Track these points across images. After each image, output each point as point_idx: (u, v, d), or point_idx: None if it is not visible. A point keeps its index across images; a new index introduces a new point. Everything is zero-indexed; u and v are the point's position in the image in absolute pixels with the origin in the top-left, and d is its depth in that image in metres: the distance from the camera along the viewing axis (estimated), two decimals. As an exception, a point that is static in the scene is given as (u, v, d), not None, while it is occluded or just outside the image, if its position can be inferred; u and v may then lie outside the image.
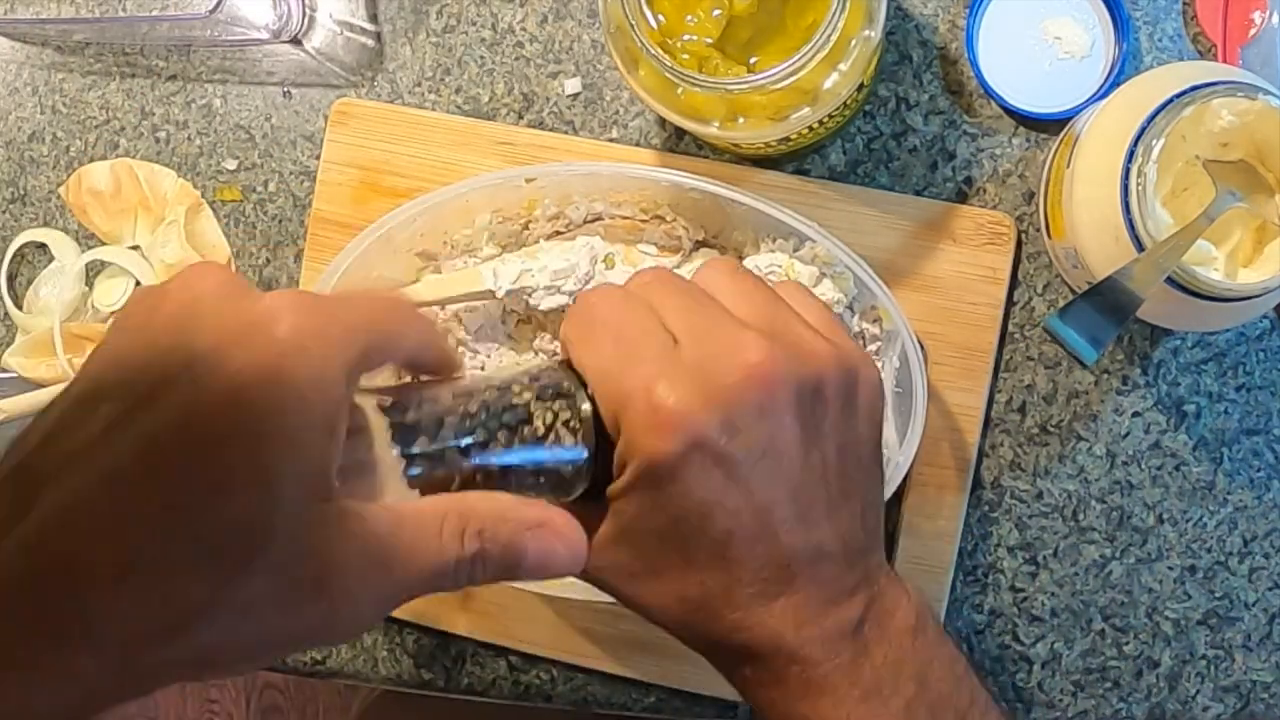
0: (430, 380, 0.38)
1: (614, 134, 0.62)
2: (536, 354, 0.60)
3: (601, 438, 0.38)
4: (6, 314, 0.68)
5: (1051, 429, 0.59)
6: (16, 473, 0.30)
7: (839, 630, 0.39)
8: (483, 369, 0.59)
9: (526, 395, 0.37)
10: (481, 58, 0.63)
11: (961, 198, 0.59)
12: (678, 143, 0.62)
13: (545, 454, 0.37)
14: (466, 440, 0.35)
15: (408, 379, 0.39)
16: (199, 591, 0.29)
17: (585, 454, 0.37)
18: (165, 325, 0.32)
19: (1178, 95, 0.47)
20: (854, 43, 0.48)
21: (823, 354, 0.38)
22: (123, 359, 0.31)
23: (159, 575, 0.29)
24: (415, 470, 0.34)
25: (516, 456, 0.36)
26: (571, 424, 0.37)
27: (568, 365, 0.39)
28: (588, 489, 0.39)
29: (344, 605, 0.31)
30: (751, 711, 0.61)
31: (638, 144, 0.62)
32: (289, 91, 0.65)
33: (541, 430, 0.37)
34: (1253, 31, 0.56)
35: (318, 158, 0.64)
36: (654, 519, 0.37)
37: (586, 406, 0.37)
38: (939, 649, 0.41)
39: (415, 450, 0.35)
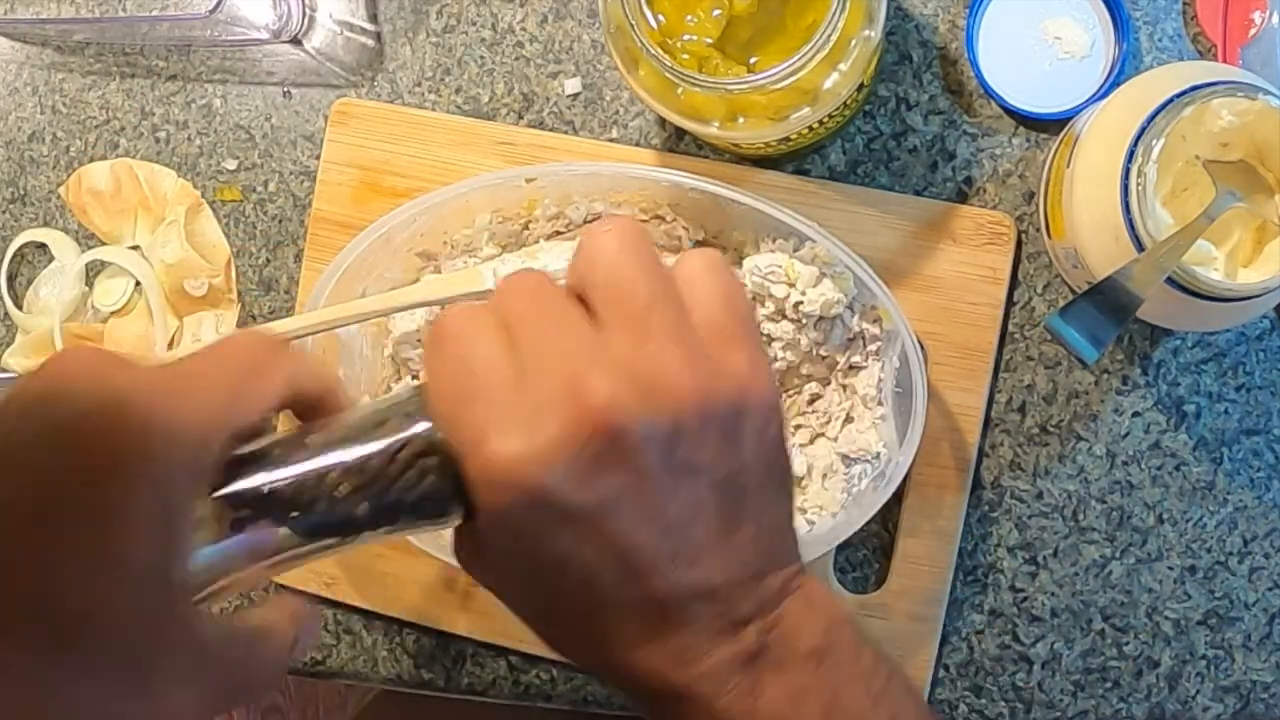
0: (283, 438, 0.36)
1: (614, 134, 0.62)
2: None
3: None
4: (6, 314, 0.68)
5: (1051, 429, 0.59)
6: None
7: (729, 663, 0.36)
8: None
9: (385, 437, 0.35)
10: (481, 58, 0.63)
11: (961, 198, 0.59)
12: (678, 143, 0.62)
13: (411, 494, 0.35)
14: (326, 500, 0.35)
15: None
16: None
17: (448, 486, 0.35)
18: (33, 398, 0.33)
19: (1178, 95, 0.47)
20: (854, 43, 0.48)
21: (682, 391, 0.33)
22: None
23: None
24: (288, 528, 0.35)
25: (379, 504, 0.35)
26: (431, 459, 0.35)
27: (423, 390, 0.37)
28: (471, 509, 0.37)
29: (162, 707, 0.32)
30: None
31: (638, 144, 0.62)
32: (289, 91, 0.65)
33: (401, 473, 0.35)
34: (1253, 31, 0.56)
35: (318, 158, 0.64)
36: (513, 569, 0.36)
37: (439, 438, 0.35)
38: (852, 667, 0.38)
39: (285, 517, 0.35)
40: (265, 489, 0.34)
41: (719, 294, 0.36)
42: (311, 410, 0.37)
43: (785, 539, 0.38)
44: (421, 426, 0.35)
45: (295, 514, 0.34)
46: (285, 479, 0.35)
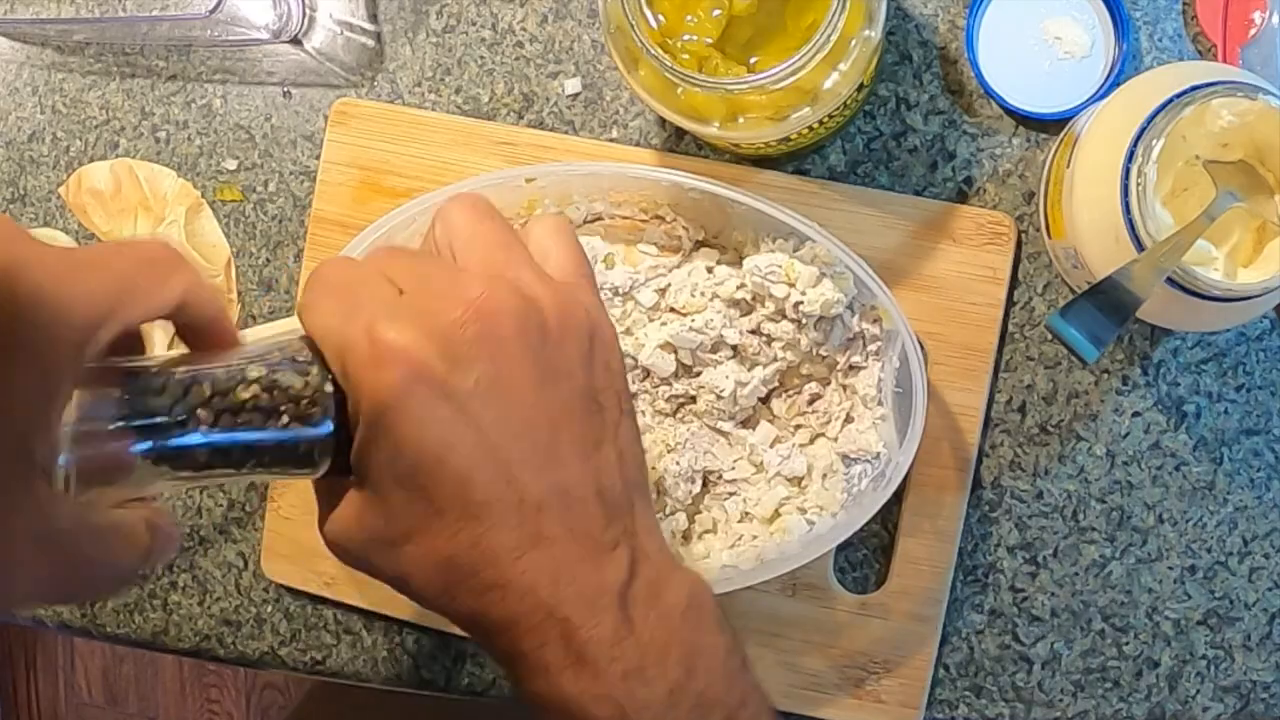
0: (167, 358, 0.37)
1: (614, 134, 0.62)
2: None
3: (345, 411, 0.37)
4: (6, 314, 0.68)
5: (1051, 429, 0.59)
6: None
7: (600, 591, 0.37)
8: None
9: (259, 371, 0.36)
10: (481, 58, 0.63)
11: (961, 198, 0.59)
12: (678, 143, 0.62)
13: (278, 433, 0.36)
14: (193, 422, 0.35)
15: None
16: None
17: (324, 429, 0.36)
18: None
19: (1178, 95, 0.47)
20: (854, 43, 0.48)
21: (545, 295, 0.38)
22: None
23: None
24: (141, 447, 0.35)
25: (246, 436, 0.36)
26: (306, 398, 0.36)
27: (306, 337, 0.38)
28: (336, 463, 0.38)
29: (6, 580, 0.32)
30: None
31: (638, 144, 0.62)
32: (289, 91, 0.65)
33: (272, 407, 0.36)
34: (1253, 31, 0.56)
35: (318, 158, 0.64)
36: (393, 468, 0.36)
37: (322, 379, 0.37)
38: (712, 637, 0.39)
39: (142, 432, 0.34)
40: (135, 398, 0.34)
41: (565, 252, 0.42)
42: (199, 336, 0.39)
43: (644, 483, 0.41)
44: (305, 366, 0.36)
45: (156, 431, 0.35)
46: (156, 394, 0.35)
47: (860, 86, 0.51)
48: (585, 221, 0.59)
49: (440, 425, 0.35)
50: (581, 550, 0.37)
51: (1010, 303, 0.59)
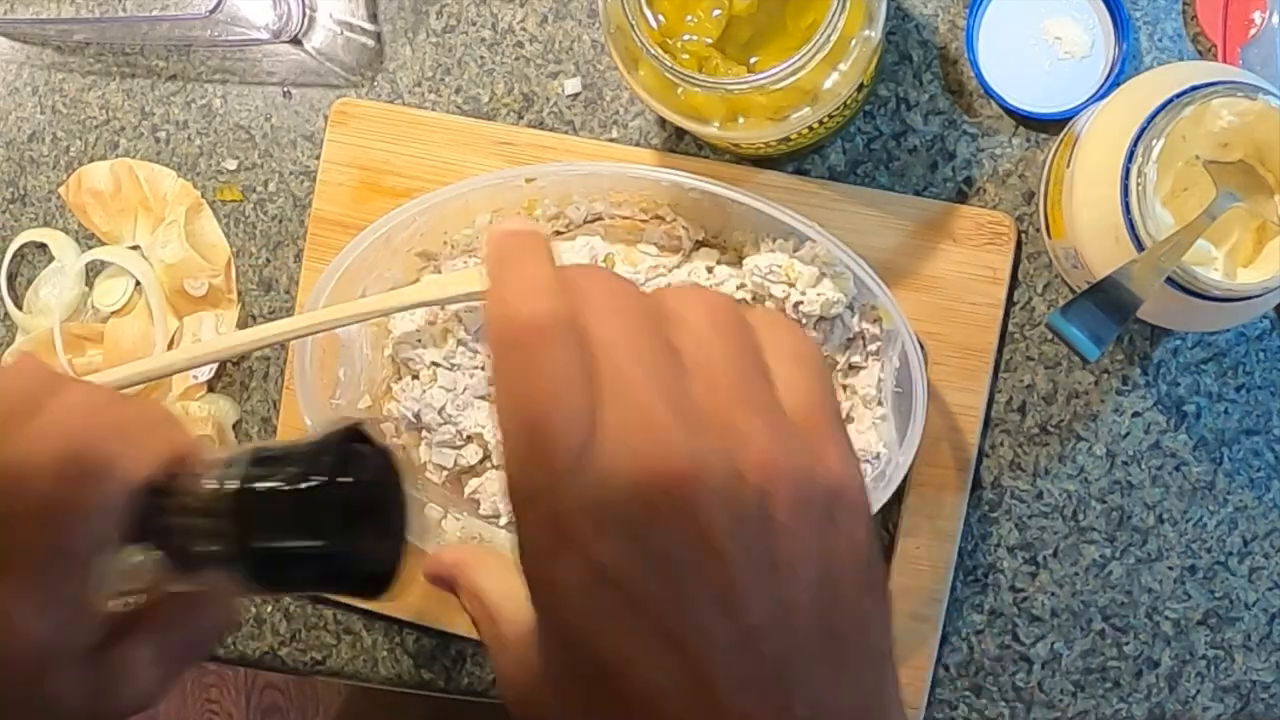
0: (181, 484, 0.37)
1: (614, 134, 0.62)
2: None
3: (363, 519, 0.35)
4: (6, 314, 0.68)
5: (1051, 429, 0.59)
6: None
7: None
8: (481, 369, 0.59)
9: (314, 480, 0.34)
10: (481, 58, 0.63)
11: (961, 198, 0.59)
12: (678, 143, 0.62)
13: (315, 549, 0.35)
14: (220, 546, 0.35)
15: None
16: None
17: (337, 548, 0.34)
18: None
19: (1178, 95, 0.47)
20: (854, 43, 0.48)
21: (775, 469, 0.29)
22: None
23: None
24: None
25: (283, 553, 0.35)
26: (355, 514, 0.34)
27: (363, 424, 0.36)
28: (387, 577, 0.36)
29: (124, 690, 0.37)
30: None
31: (638, 144, 0.62)
32: (289, 91, 0.65)
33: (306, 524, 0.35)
34: (1253, 31, 0.56)
35: (318, 158, 0.64)
36: (570, 661, 0.30)
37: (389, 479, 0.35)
38: None
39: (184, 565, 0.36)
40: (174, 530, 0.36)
41: (804, 382, 0.32)
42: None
43: (887, 678, 0.32)
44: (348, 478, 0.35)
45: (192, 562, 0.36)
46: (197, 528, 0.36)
47: (860, 86, 0.51)
48: (585, 221, 0.59)
49: (625, 636, 0.28)
50: None
51: (1010, 303, 0.59)
